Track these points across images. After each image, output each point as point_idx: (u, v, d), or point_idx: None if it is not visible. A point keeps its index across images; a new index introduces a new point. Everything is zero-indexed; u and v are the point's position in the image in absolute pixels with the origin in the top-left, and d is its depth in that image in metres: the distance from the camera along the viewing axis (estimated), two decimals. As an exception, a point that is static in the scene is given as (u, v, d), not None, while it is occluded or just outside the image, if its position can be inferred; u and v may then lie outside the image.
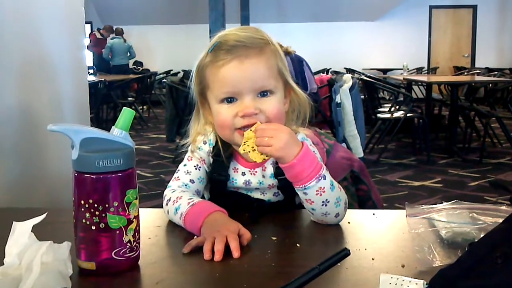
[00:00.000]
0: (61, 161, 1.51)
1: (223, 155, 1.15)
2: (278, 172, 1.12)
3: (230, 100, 1.08)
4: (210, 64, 1.09)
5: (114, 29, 11.15)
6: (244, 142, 1.03)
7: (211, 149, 1.18)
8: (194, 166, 1.17)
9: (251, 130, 1.03)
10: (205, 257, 0.88)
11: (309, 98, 1.18)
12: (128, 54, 10.99)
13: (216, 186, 1.19)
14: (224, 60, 1.06)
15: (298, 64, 5.38)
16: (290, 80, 1.13)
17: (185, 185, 1.15)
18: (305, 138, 1.16)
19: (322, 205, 1.02)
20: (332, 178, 1.05)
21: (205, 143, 1.19)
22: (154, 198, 4.13)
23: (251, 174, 1.16)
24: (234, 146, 1.14)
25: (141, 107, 9.54)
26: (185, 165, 1.18)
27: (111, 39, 10.90)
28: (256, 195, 1.18)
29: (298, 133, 1.16)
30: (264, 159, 1.04)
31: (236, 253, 0.89)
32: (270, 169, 1.15)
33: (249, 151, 1.03)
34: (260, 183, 1.16)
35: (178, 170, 1.18)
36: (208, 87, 1.11)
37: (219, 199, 1.09)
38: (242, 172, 1.17)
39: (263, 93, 1.08)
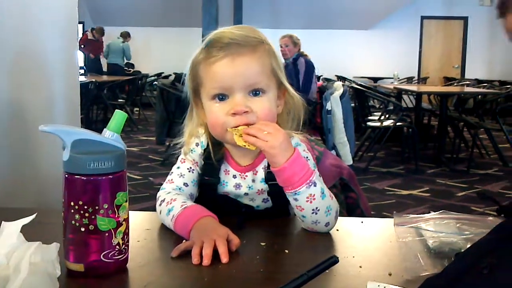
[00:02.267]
0: (52, 161, 1.51)
1: (213, 157, 1.16)
2: (269, 177, 1.12)
3: (221, 97, 1.08)
4: (203, 60, 1.09)
5: (103, 31, 11.17)
6: (235, 127, 1.05)
7: (203, 151, 1.18)
8: (187, 168, 1.17)
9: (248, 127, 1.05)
10: (194, 261, 0.88)
11: (304, 100, 1.18)
12: (123, 55, 11.07)
13: (206, 189, 1.18)
14: (216, 57, 1.06)
15: (310, 69, 5.47)
16: (284, 81, 1.13)
17: (179, 188, 1.15)
18: (299, 144, 1.15)
19: (312, 213, 1.03)
20: (324, 186, 1.05)
21: (197, 145, 1.19)
22: (142, 201, 4.11)
23: (241, 177, 1.16)
24: (226, 145, 1.15)
25: (132, 107, 9.49)
26: (178, 167, 1.18)
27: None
28: (245, 201, 1.18)
29: (293, 137, 1.16)
30: (244, 145, 1.04)
31: (224, 258, 0.89)
32: (261, 174, 1.15)
33: (235, 134, 1.04)
34: (250, 187, 1.16)
35: (172, 173, 1.18)
36: (201, 84, 1.11)
37: (208, 203, 1.09)
38: (233, 175, 1.17)
39: (255, 92, 1.08)
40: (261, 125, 1.04)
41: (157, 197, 1.13)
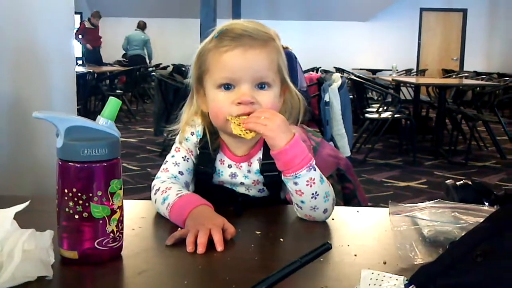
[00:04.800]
0: (48, 150, 1.50)
1: (210, 147, 1.15)
2: (264, 169, 1.12)
3: (227, 87, 1.08)
4: (214, 48, 1.09)
5: (100, 15, 11.08)
6: (236, 117, 1.06)
7: (198, 140, 1.18)
8: (182, 157, 1.17)
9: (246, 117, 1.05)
10: (188, 249, 0.88)
11: (304, 99, 1.18)
12: (143, 46, 11.01)
13: (202, 178, 1.18)
14: (228, 46, 1.07)
15: (292, 60, 5.41)
16: (287, 79, 1.15)
17: (174, 177, 1.15)
18: None
19: (312, 197, 1.03)
20: (321, 173, 1.06)
21: (192, 134, 1.19)
22: (140, 192, 4.11)
23: (236, 167, 1.16)
24: (225, 134, 1.15)
25: (130, 93, 9.39)
26: (173, 156, 1.18)
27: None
28: (241, 190, 1.18)
29: None
30: (239, 134, 1.04)
31: (219, 247, 0.89)
32: (256, 165, 1.15)
33: (234, 122, 1.05)
34: (246, 177, 1.16)
35: (166, 162, 1.18)
36: (208, 72, 1.11)
37: (204, 192, 1.09)
38: (228, 165, 1.17)
39: (261, 86, 1.08)
40: (257, 112, 1.04)
41: (152, 186, 1.13)
